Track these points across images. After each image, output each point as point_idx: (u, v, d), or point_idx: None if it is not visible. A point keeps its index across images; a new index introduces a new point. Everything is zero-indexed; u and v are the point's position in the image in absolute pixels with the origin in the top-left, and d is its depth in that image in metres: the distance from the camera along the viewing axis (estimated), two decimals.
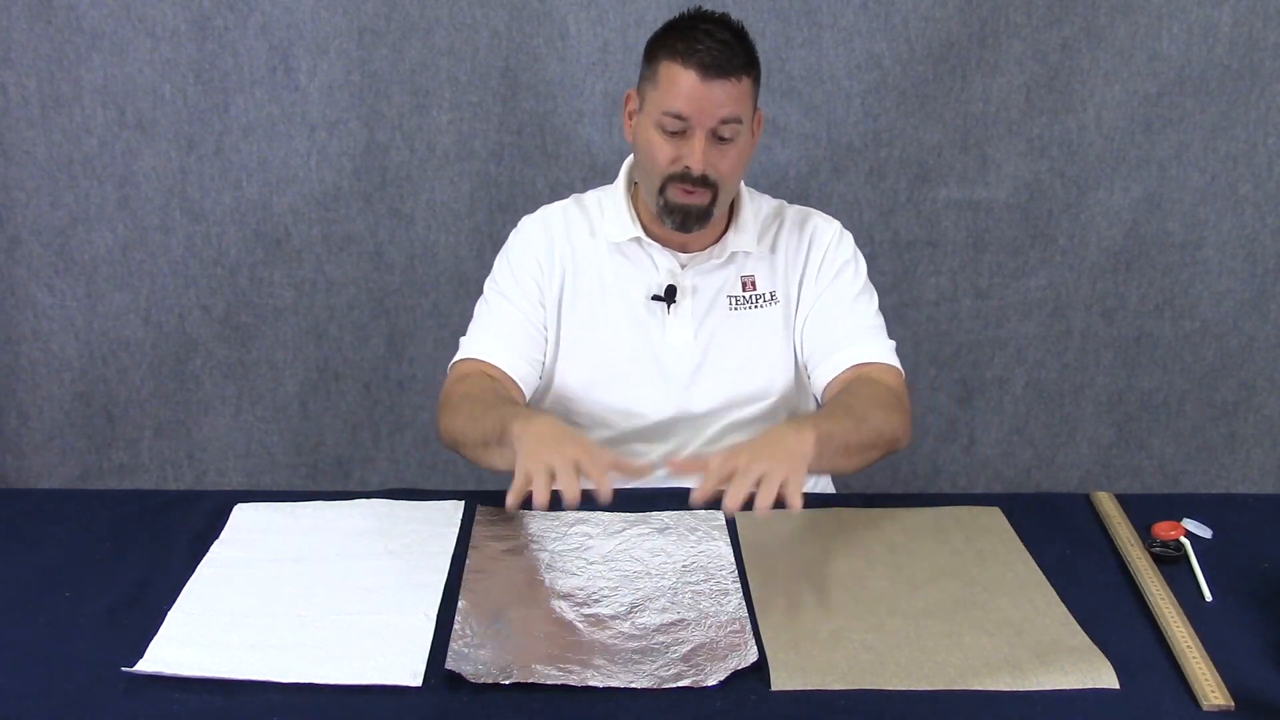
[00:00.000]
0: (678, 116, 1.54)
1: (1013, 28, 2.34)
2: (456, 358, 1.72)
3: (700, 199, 1.58)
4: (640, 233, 1.68)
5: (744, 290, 1.71)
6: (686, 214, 1.59)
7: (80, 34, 2.33)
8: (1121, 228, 2.47)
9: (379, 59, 2.35)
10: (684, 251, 1.69)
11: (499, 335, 1.70)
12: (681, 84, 1.53)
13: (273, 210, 2.44)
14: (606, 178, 2.42)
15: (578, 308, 1.70)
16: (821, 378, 1.69)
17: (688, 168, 1.56)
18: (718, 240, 1.70)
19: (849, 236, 1.76)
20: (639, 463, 1.46)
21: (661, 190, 1.59)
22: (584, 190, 1.79)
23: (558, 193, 2.37)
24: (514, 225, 1.77)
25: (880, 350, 1.67)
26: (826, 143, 2.41)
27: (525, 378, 1.69)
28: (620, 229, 1.69)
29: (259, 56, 2.34)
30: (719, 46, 1.53)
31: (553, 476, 1.31)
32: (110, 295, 2.47)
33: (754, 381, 1.70)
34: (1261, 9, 2.33)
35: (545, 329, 1.71)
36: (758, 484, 1.29)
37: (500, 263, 1.75)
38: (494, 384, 1.64)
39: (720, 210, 1.64)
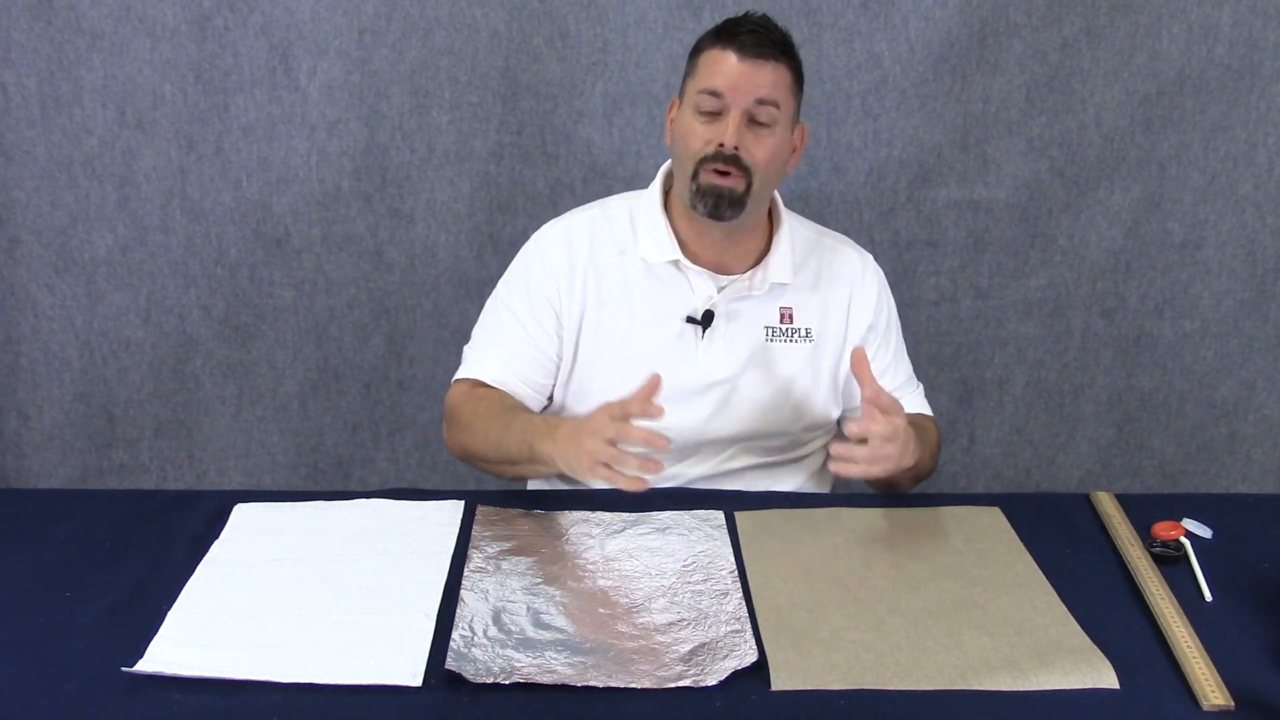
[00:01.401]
0: (714, 94, 1.55)
1: (1013, 28, 2.34)
2: (460, 374, 1.70)
3: (734, 182, 1.55)
4: (679, 254, 1.63)
5: (781, 321, 1.67)
6: (719, 197, 1.56)
7: (80, 34, 2.33)
8: (1121, 228, 2.47)
9: (379, 59, 2.35)
10: (723, 274, 1.65)
11: (502, 358, 1.67)
12: (720, 64, 1.55)
13: (273, 210, 2.44)
14: (607, 178, 2.43)
15: (602, 330, 1.66)
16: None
17: (721, 145, 1.54)
18: (757, 263, 1.66)
19: (880, 275, 1.75)
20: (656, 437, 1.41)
21: (695, 175, 1.57)
22: (584, 190, 1.78)
23: (558, 193, 2.39)
24: (514, 225, 1.76)
25: (921, 404, 1.78)
26: (826, 143, 2.41)
27: (530, 398, 1.68)
28: (658, 250, 1.64)
29: (259, 56, 2.35)
30: (761, 32, 1.56)
31: (609, 465, 1.38)
32: (110, 295, 2.47)
33: (779, 415, 1.67)
34: (1261, 9, 2.33)
35: (558, 356, 1.68)
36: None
37: (516, 273, 1.70)
38: (500, 396, 1.64)
39: (756, 205, 1.60)
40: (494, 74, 2.37)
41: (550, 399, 1.73)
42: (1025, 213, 2.46)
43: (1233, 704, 1.13)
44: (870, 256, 1.76)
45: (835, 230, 1.82)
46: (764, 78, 1.55)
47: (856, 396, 1.72)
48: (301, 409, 2.56)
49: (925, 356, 2.51)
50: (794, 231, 1.70)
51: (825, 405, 1.71)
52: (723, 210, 1.56)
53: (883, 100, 2.38)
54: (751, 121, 1.56)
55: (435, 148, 2.41)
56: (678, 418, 1.63)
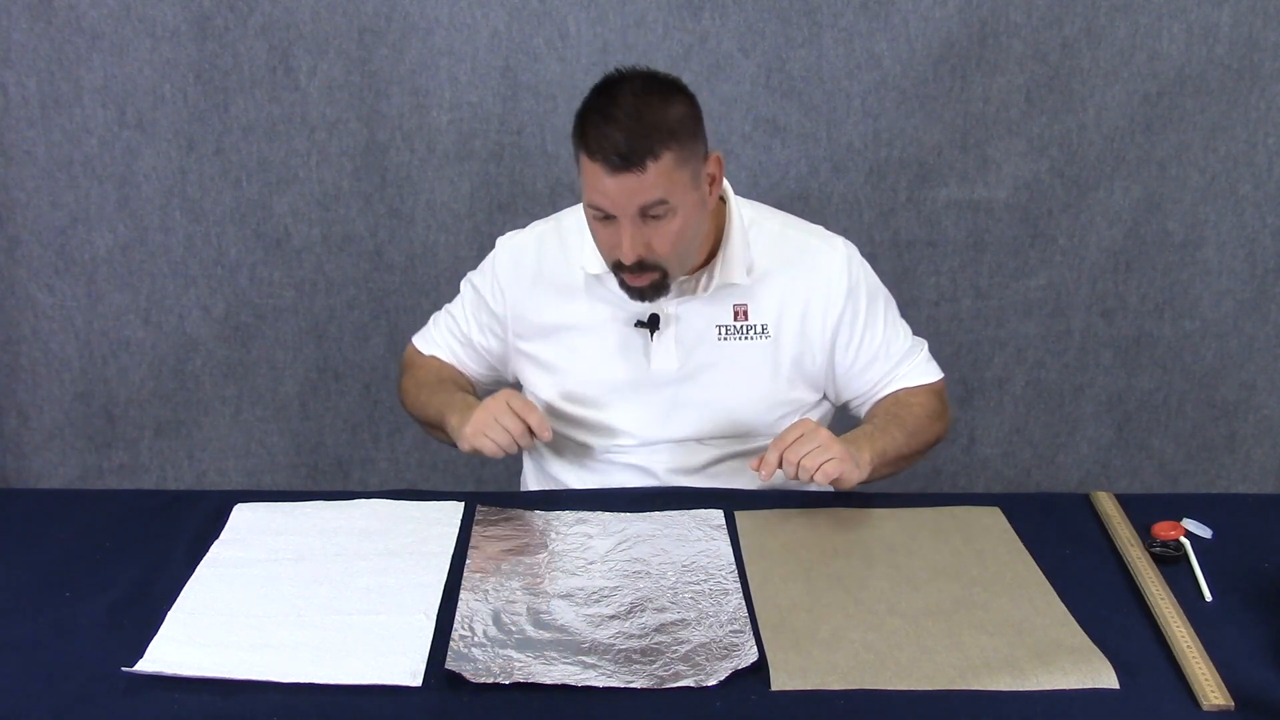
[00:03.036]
0: (598, 208, 1.50)
1: (1013, 28, 2.34)
2: (417, 338, 1.84)
3: (650, 278, 1.53)
4: None
5: (734, 319, 1.64)
6: (643, 292, 1.55)
7: (80, 34, 2.33)
8: (1121, 228, 2.47)
9: (379, 59, 2.35)
10: None
11: (448, 342, 1.80)
12: (595, 179, 1.48)
13: (273, 210, 2.44)
14: None
15: (554, 339, 1.67)
16: (870, 402, 1.74)
17: (621, 258, 1.51)
18: (705, 266, 1.63)
19: (855, 256, 1.68)
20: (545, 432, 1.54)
21: (614, 270, 1.56)
22: (582, 190, 1.77)
23: (558, 193, 2.39)
24: (514, 225, 1.76)
25: (924, 371, 1.74)
26: (826, 143, 2.41)
27: (474, 376, 1.81)
28: (598, 259, 1.61)
29: (259, 56, 2.35)
30: (620, 135, 1.44)
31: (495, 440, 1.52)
32: (110, 295, 2.48)
33: (738, 414, 1.65)
34: (1261, 9, 2.33)
35: (495, 358, 1.77)
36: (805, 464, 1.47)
37: (475, 276, 1.78)
38: (445, 367, 1.79)
39: (681, 275, 1.58)
40: (494, 74, 2.37)
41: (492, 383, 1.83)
42: (1025, 213, 2.46)
43: (1233, 704, 1.13)
44: (840, 241, 1.68)
45: (834, 229, 1.75)
46: (638, 185, 1.46)
47: (850, 390, 1.73)
48: (301, 409, 2.56)
49: None
50: (753, 227, 1.65)
51: (788, 402, 1.67)
52: (650, 297, 1.57)
53: (883, 100, 2.38)
54: (646, 218, 1.49)
55: (435, 148, 2.41)
56: (633, 420, 1.66)
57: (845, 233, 1.82)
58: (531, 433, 1.52)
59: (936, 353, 2.51)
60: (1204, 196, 2.45)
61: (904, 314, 1.83)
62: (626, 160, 1.44)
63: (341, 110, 2.38)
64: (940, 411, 1.73)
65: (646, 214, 1.49)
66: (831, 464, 1.47)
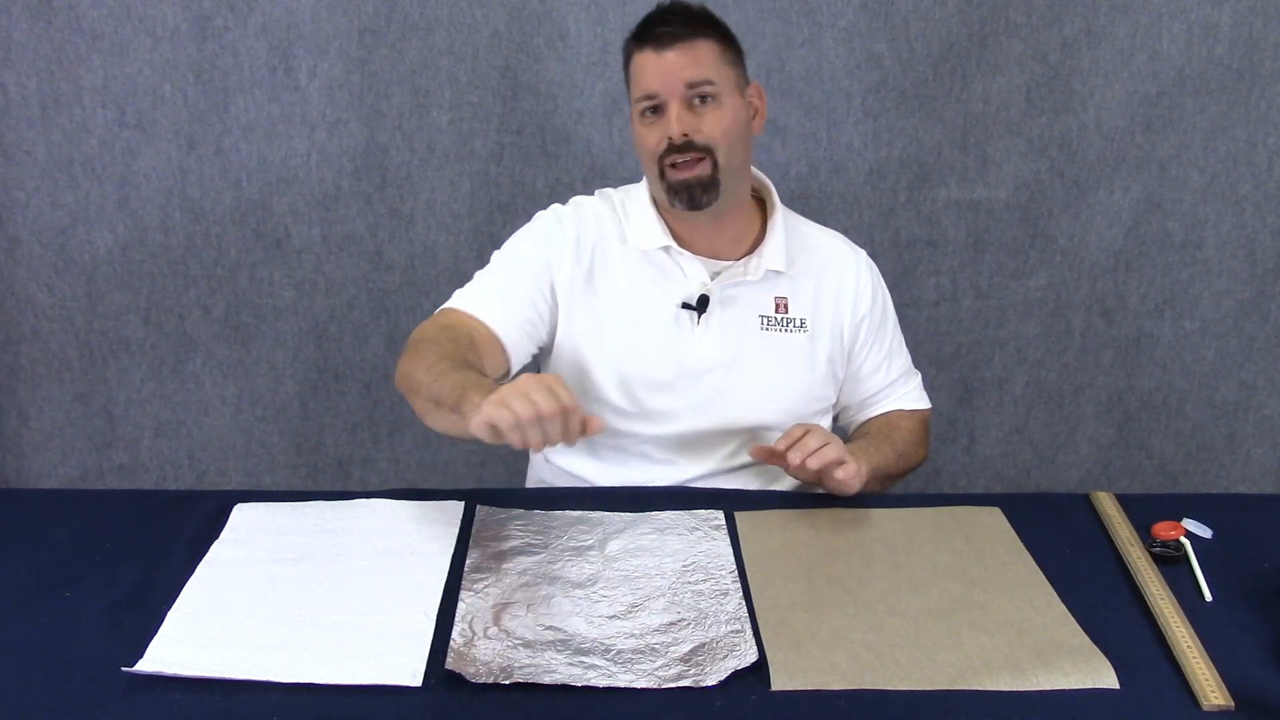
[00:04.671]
0: (649, 96, 1.57)
1: (1013, 28, 2.34)
2: (447, 305, 1.63)
3: (700, 169, 1.57)
4: (670, 241, 1.65)
5: (776, 311, 1.68)
6: (690, 188, 1.58)
7: (80, 34, 2.33)
8: (1121, 228, 2.47)
9: (379, 59, 2.35)
10: (716, 260, 1.66)
11: (497, 296, 1.62)
12: (644, 65, 1.58)
13: (273, 210, 2.44)
14: (607, 178, 2.43)
15: (602, 314, 1.66)
16: (860, 419, 1.79)
17: (669, 138, 1.56)
18: (751, 250, 1.68)
19: (875, 270, 1.76)
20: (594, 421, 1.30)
21: (662, 175, 1.59)
22: (583, 191, 1.77)
23: (558, 193, 2.39)
24: (514, 225, 1.75)
25: (916, 398, 1.81)
26: (826, 143, 2.41)
27: (514, 344, 1.59)
28: (649, 237, 1.65)
29: (259, 56, 2.35)
30: (670, 19, 1.57)
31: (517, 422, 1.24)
32: (110, 295, 2.47)
33: (773, 406, 1.67)
34: (1261, 9, 2.33)
35: (547, 315, 1.64)
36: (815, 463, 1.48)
37: (523, 234, 1.69)
38: (471, 347, 1.53)
39: (731, 181, 1.61)
40: (494, 74, 2.37)
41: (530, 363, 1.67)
42: (1025, 213, 2.46)
43: (1233, 704, 1.13)
44: (863, 252, 1.77)
45: (834, 230, 1.82)
46: (686, 61, 1.56)
47: (857, 393, 1.75)
48: (301, 409, 2.56)
49: (925, 356, 2.51)
50: (788, 223, 1.72)
51: (821, 398, 1.72)
52: (699, 198, 1.59)
53: (883, 100, 2.38)
54: (693, 105, 1.57)
55: (435, 148, 2.41)
56: (675, 404, 1.66)
57: (845, 233, 1.83)
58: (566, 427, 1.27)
59: (936, 353, 2.53)
60: (1204, 196, 2.45)
61: (904, 314, 1.85)
62: (675, 37, 1.55)
63: (341, 110, 2.38)
64: (925, 440, 1.80)
65: (694, 97, 1.57)
66: (846, 467, 1.50)
